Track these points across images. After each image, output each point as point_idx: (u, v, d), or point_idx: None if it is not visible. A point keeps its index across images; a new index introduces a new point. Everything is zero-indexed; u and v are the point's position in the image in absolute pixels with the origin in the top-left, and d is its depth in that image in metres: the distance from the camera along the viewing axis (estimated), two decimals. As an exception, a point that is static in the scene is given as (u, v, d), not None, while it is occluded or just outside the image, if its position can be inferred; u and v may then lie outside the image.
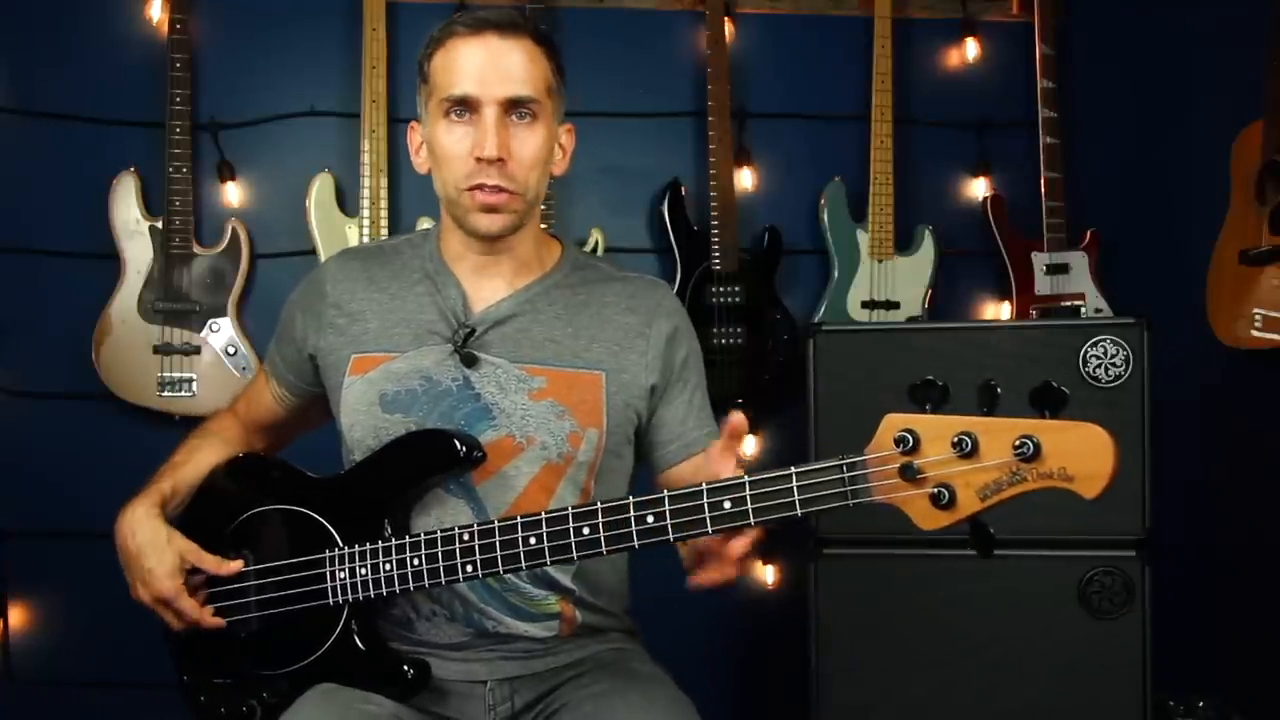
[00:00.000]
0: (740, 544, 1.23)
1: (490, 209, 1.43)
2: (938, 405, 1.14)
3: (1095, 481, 1.06)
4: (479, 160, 1.41)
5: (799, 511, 1.17)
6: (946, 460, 1.11)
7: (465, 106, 1.42)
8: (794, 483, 1.17)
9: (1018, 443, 1.07)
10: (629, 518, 1.24)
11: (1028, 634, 2.08)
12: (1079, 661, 2.08)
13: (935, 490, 1.11)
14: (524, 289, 1.52)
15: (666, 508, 1.22)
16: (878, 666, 2.12)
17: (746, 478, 1.19)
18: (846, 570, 2.13)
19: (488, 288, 1.52)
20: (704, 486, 1.21)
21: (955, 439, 1.10)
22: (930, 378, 1.16)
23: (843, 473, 1.15)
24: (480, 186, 1.42)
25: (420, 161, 1.52)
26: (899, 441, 1.12)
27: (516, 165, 1.43)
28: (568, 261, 1.57)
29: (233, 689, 1.49)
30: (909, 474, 1.12)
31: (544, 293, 1.52)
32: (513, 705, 1.48)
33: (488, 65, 1.41)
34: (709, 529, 1.21)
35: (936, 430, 1.11)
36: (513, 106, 1.42)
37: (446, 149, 1.44)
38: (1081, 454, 1.06)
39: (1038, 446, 1.07)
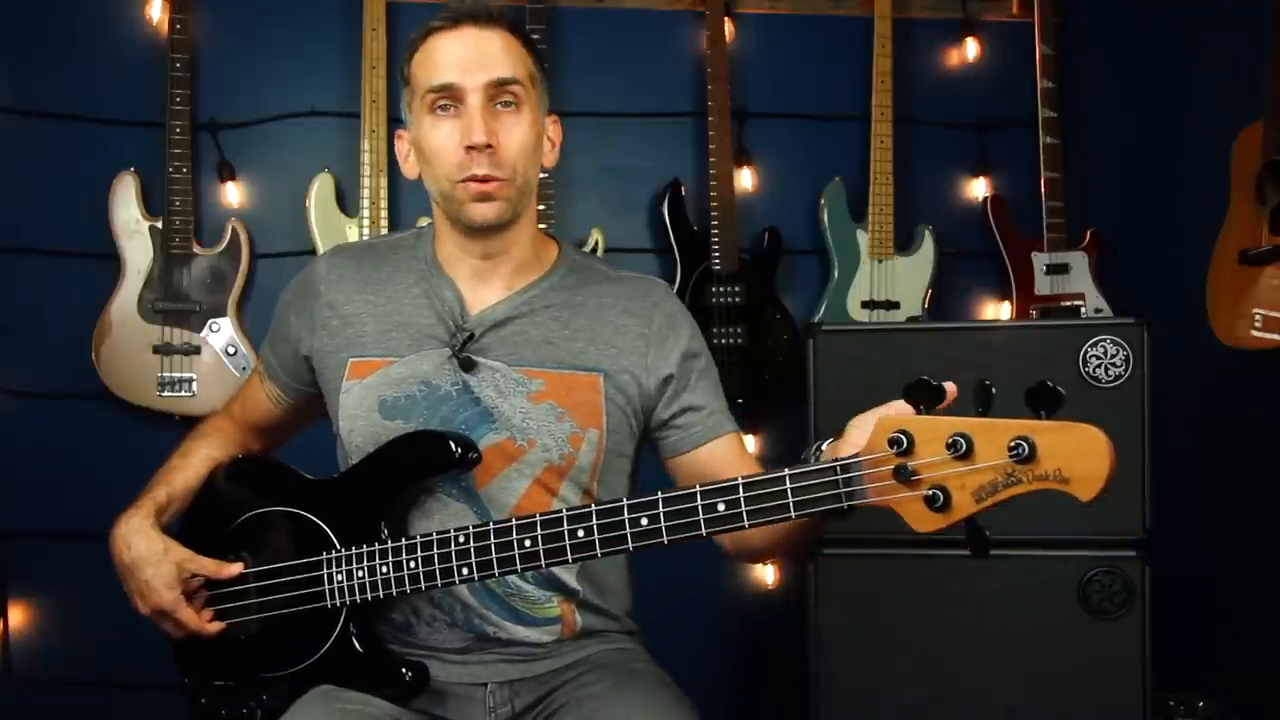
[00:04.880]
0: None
1: (484, 197, 1.41)
2: (932, 406, 1.13)
3: (1092, 483, 1.04)
4: (469, 150, 1.40)
5: (793, 514, 1.17)
6: (941, 462, 1.09)
7: (450, 98, 1.41)
8: (788, 484, 1.17)
9: (1013, 444, 1.05)
10: (623, 520, 1.24)
11: (1028, 634, 2.08)
12: (1079, 661, 2.07)
13: (930, 492, 1.10)
14: (520, 291, 1.50)
15: (660, 510, 1.22)
16: (877, 667, 2.12)
17: (740, 479, 1.19)
18: (846, 570, 2.12)
19: (484, 290, 1.50)
20: (697, 489, 1.21)
21: (950, 440, 1.08)
22: (925, 378, 1.14)
23: (836, 474, 1.15)
24: (472, 178, 1.41)
25: (409, 167, 1.51)
26: (893, 443, 1.11)
27: (505, 152, 1.41)
28: (564, 262, 1.56)
29: (233, 691, 1.49)
30: (903, 476, 1.11)
31: (541, 294, 1.51)
32: (513, 707, 1.48)
33: (468, 53, 1.41)
34: (703, 531, 1.21)
35: (931, 431, 1.10)
36: (497, 93, 1.42)
37: (435, 144, 1.43)
38: (1078, 455, 1.04)
39: (1033, 447, 1.05)
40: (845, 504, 1.15)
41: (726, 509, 1.19)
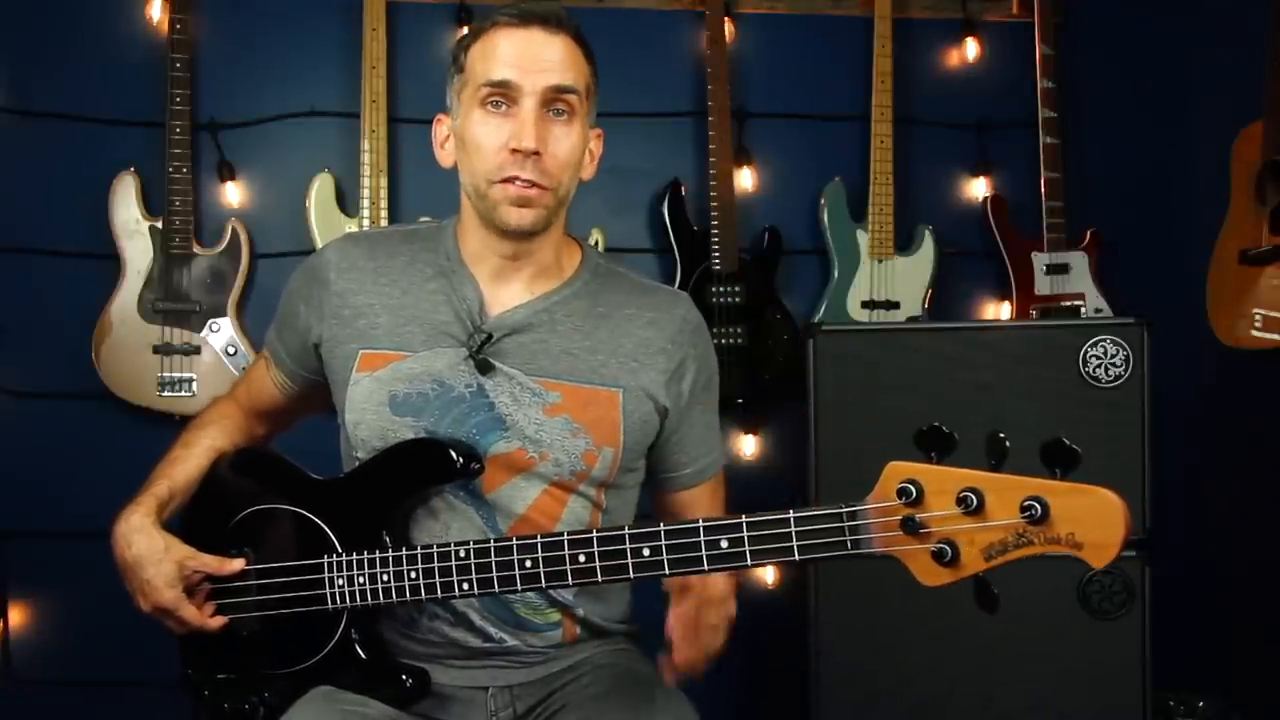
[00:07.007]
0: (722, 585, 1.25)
1: (523, 202, 1.39)
2: (943, 455, 1.09)
3: (1105, 551, 1.02)
4: (514, 152, 1.38)
5: (797, 557, 1.16)
6: (951, 516, 1.06)
7: (504, 97, 1.39)
8: (793, 527, 1.16)
9: (1026, 503, 1.03)
10: (625, 549, 1.23)
11: (1028, 634, 2.08)
12: (1079, 661, 2.08)
13: (938, 547, 1.07)
14: (542, 297, 1.48)
15: (663, 542, 1.22)
16: (877, 667, 2.12)
17: (744, 518, 1.18)
18: (846, 570, 2.12)
19: (505, 291, 1.48)
20: (700, 523, 1.20)
21: (961, 494, 1.06)
22: (937, 424, 1.11)
23: (843, 520, 1.13)
24: (513, 180, 1.39)
25: (445, 155, 1.49)
26: (902, 492, 1.08)
27: (551, 160, 1.40)
28: (588, 268, 1.53)
29: (236, 686, 1.49)
30: (911, 527, 1.08)
31: (563, 302, 1.48)
32: (514, 711, 1.48)
33: (530, 54, 1.39)
34: (705, 566, 1.20)
35: (941, 483, 1.07)
36: (553, 100, 1.40)
37: (480, 139, 1.40)
38: (1092, 521, 1.01)
39: (1046, 509, 1.02)
40: (851, 551, 1.13)
41: (730, 546, 1.19)
